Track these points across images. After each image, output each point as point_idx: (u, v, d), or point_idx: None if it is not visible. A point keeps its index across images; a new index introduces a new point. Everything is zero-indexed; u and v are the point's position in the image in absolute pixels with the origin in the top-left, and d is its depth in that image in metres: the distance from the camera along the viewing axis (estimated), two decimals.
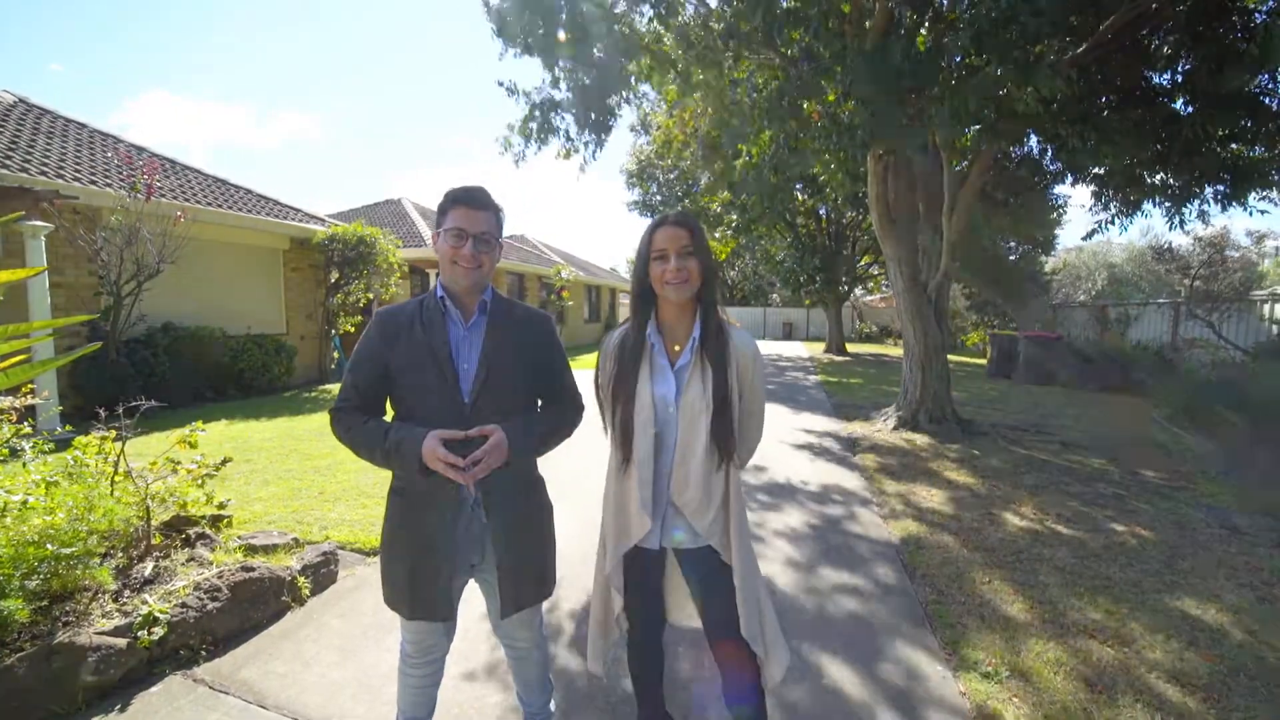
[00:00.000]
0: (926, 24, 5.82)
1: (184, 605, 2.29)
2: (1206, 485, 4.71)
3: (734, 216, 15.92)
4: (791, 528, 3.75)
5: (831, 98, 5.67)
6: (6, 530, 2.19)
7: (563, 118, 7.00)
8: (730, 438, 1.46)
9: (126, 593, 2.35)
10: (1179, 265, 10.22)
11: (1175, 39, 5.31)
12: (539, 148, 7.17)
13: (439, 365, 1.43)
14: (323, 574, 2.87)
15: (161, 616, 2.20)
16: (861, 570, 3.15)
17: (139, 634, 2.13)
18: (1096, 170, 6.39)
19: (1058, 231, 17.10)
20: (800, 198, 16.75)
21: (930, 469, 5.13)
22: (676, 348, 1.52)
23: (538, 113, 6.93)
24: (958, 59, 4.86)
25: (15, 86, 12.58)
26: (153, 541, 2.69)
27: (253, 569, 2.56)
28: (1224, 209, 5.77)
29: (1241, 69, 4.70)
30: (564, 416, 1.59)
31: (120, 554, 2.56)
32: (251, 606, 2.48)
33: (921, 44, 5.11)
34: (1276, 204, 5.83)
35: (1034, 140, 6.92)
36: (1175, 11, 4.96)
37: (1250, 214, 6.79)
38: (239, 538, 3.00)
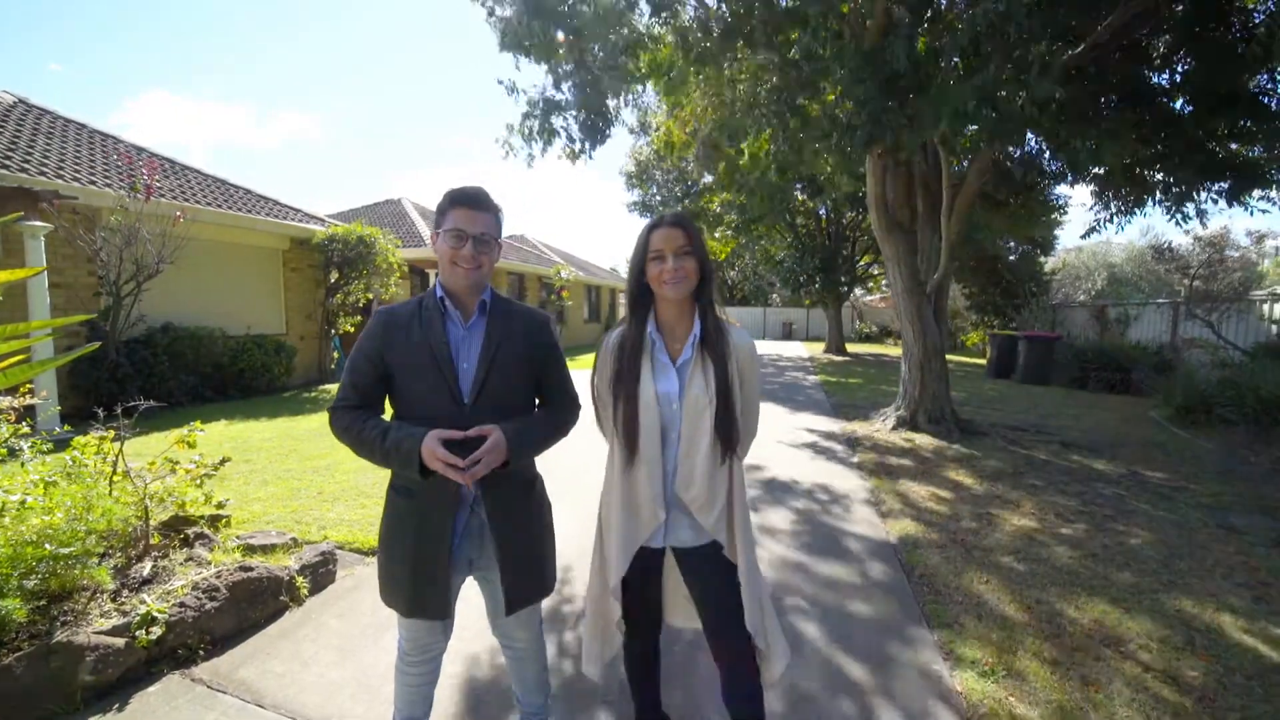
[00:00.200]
0: (925, 25, 5.82)
1: (182, 605, 2.30)
2: (1205, 485, 4.71)
3: (734, 216, 15.93)
4: (790, 527, 3.75)
5: (831, 97, 5.68)
6: (5, 530, 2.20)
7: (564, 118, 7.01)
8: (733, 432, 1.47)
9: (125, 592, 2.35)
10: (1178, 265, 10.20)
11: (1172, 39, 5.31)
12: (544, 148, 7.16)
13: (439, 365, 1.43)
14: (321, 574, 2.87)
15: (160, 616, 2.20)
16: (859, 569, 3.15)
17: (137, 633, 2.13)
18: (1097, 170, 6.39)
19: (1057, 231, 17.13)
20: (800, 198, 16.75)
21: (929, 469, 5.13)
22: (676, 345, 1.53)
23: (537, 112, 6.94)
24: (956, 59, 4.86)
25: (15, 86, 12.57)
26: (151, 541, 2.69)
27: (251, 569, 2.57)
28: (1229, 204, 5.74)
29: (1240, 69, 4.70)
30: (561, 417, 1.60)
31: (118, 554, 2.56)
32: (250, 606, 2.49)
33: (922, 46, 5.11)
34: (1277, 204, 5.83)
35: (1034, 140, 6.92)
36: (1173, 11, 4.96)
37: (1252, 213, 6.77)
38: (237, 537, 3.01)
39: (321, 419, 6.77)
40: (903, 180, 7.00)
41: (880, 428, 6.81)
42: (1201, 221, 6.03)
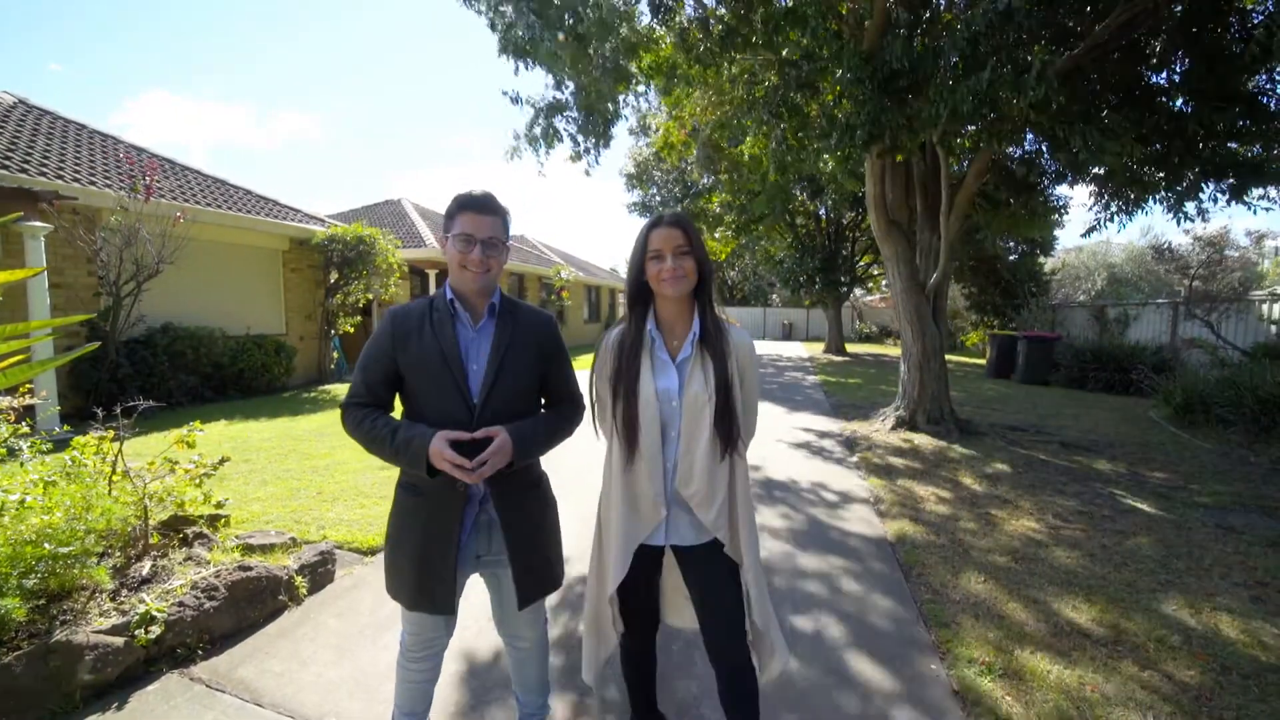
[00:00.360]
0: (924, 25, 5.83)
1: (181, 604, 2.30)
2: (1204, 485, 4.71)
3: (734, 217, 15.93)
4: (788, 526, 3.76)
5: (830, 97, 5.68)
6: (4, 529, 2.20)
7: (567, 120, 7.04)
8: (733, 428, 1.48)
9: (124, 592, 2.36)
10: (1178, 265, 10.21)
11: (1170, 39, 5.32)
12: (548, 152, 7.20)
13: (449, 366, 1.46)
14: (320, 573, 2.87)
15: (159, 615, 2.21)
16: (857, 568, 3.16)
17: (136, 633, 2.14)
18: (1096, 170, 6.39)
19: (1057, 232, 17.14)
20: (800, 198, 16.75)
21: (928, 469, 5.14)
22: (676, 343, 1.53)
23: (541, 117, 6.97)
24: (954, 60, 4.87)
25: (15, 87, 12.56)
26: (150, 541, 2.69)
27: (250, 568, 2.57)
28: (1231, 202, 5.74)
29: (1239, 69, 4.70)
30: (567, 417, 1.62)
31: (118, 553, 2.57)
32: (249, 605, 2.49)
33: (921, 46, 5.12)
34: (1277, 203, 5.83)
35: (1033, 140, 6.91)
36: (1171, 12, 4.97)
37: (1255, 212, 6.77)
38: (236, 537, 3.01)
39: (321, 419, 6.78)
40: (901, 180, 7.00)
41: (879, 428, 6.82)
42: (1203, 219, 6.03)
